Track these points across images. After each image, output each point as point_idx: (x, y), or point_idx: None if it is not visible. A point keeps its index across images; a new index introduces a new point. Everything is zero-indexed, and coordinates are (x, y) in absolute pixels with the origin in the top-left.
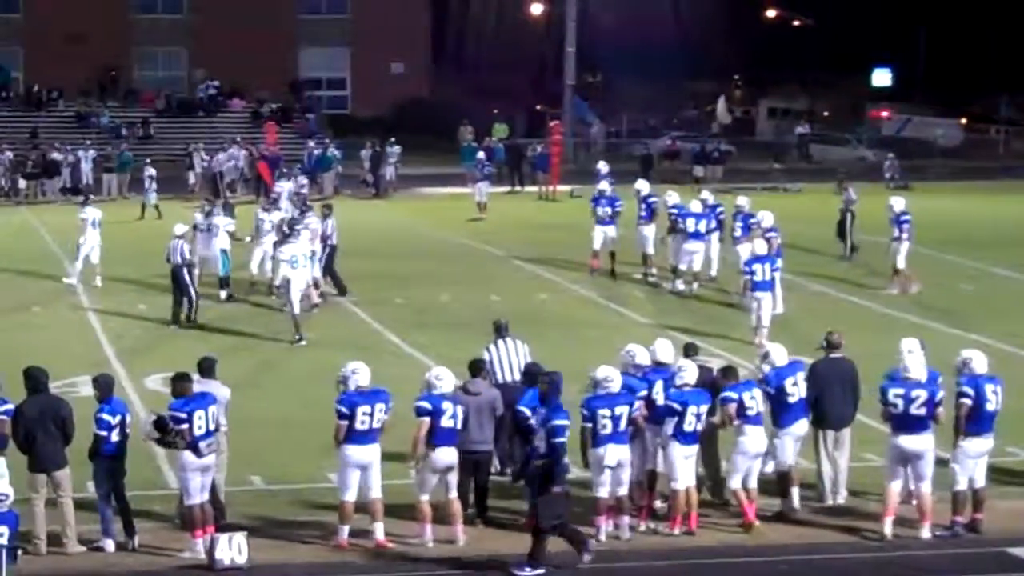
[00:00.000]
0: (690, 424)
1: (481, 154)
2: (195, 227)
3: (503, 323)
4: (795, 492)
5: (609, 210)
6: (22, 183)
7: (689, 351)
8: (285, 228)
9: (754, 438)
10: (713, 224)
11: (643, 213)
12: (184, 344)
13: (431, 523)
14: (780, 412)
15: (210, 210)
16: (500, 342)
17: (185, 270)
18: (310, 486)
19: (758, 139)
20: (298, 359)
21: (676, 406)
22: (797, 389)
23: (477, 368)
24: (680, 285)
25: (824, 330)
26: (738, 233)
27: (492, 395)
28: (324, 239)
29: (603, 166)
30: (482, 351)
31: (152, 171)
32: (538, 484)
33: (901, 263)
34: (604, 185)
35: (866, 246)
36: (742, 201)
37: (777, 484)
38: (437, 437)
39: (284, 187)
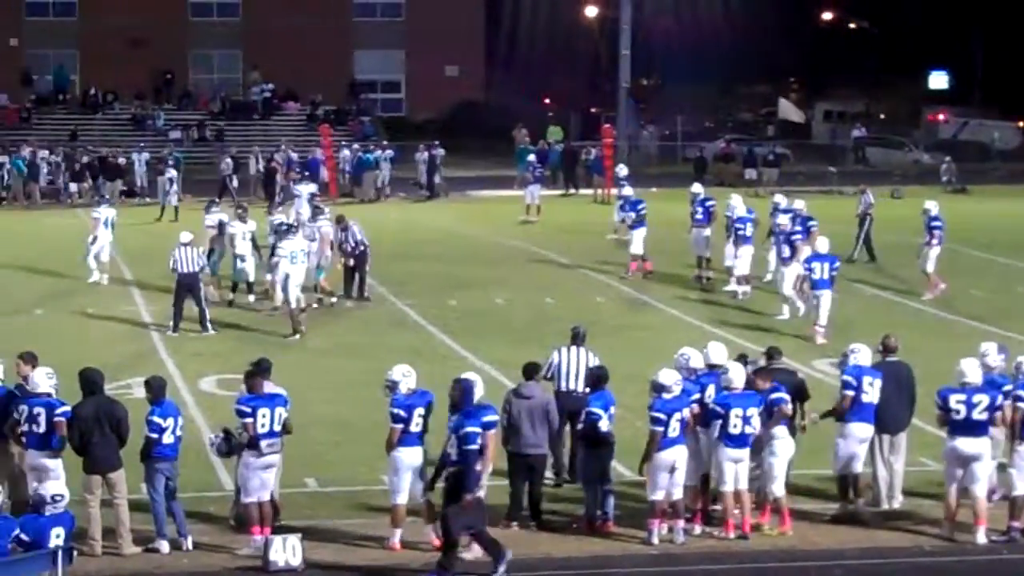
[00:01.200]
0: (736, 427)
1: (532, 156)
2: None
3: (581, 331)
4: (861, 499)
5: (633, 215)
6: (72, 186)
7: (773, 355)
8: (283, 227)
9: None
10: (798, 227)
11: (700, 216)
12: (237, 346)
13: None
14: (851, 408)
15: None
16: (572, 348)
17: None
18: (364, 488)
19: (813, 142)
20: (350, 361)
21: (719, 409)
22: (873, 391)
23: (531, 371)
24: (735, 287)
25: (880, 333)
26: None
27: (545, 399)
28: (343, 246)
29: (621, 169)
30: (551, 353)
31: (173, 173)
32: (449, 492)
33: (931, 267)
34: (628, 190)
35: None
36: (798, 204)
37: (837, 486)
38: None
39: (304, 190)
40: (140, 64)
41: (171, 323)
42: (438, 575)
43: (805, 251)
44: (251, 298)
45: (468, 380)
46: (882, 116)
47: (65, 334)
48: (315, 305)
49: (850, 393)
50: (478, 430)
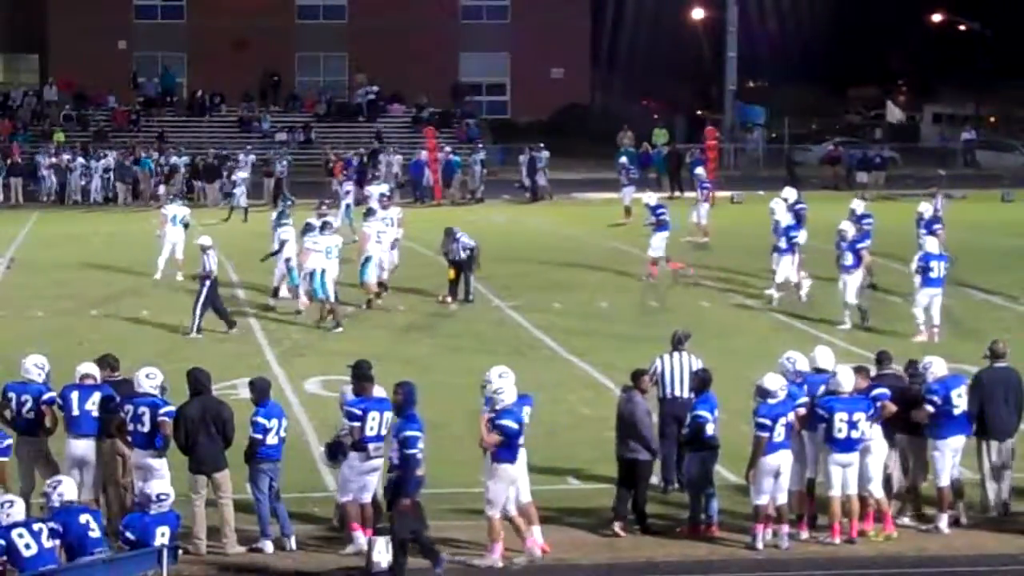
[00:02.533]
0: (841, 431)
1: (624, 159)
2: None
3: (681, 335)
4: (945, 515)
5: (654, 219)
6: (161, 188)
7: (882, 360)
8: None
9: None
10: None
11: (792, 221)
12: (341, 348)
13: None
14: (941, 424)
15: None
16: (675, 354)
17: (207, 282)
18: (464, 491)
19: (922, 145)
20: (453, 363)
21: (823, 412)
22: (962, 401)
23: (634, 378)
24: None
25: (989, 338)
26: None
27: (629, 408)
28: (448, 255)
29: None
30: (654, 360)
31: (244, 174)
32: (391, 496)
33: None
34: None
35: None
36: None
37: (937, 497)
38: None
39: (374, 191)
40: (247, 66)
41: (195, 325)
42: None
43: (868, 259)
44: (271, 301)
45: (410, 384)
46: (992, 119)
47: (164, 334)
48: (364, 307)
49: (932, 409)
50: (418, 434)
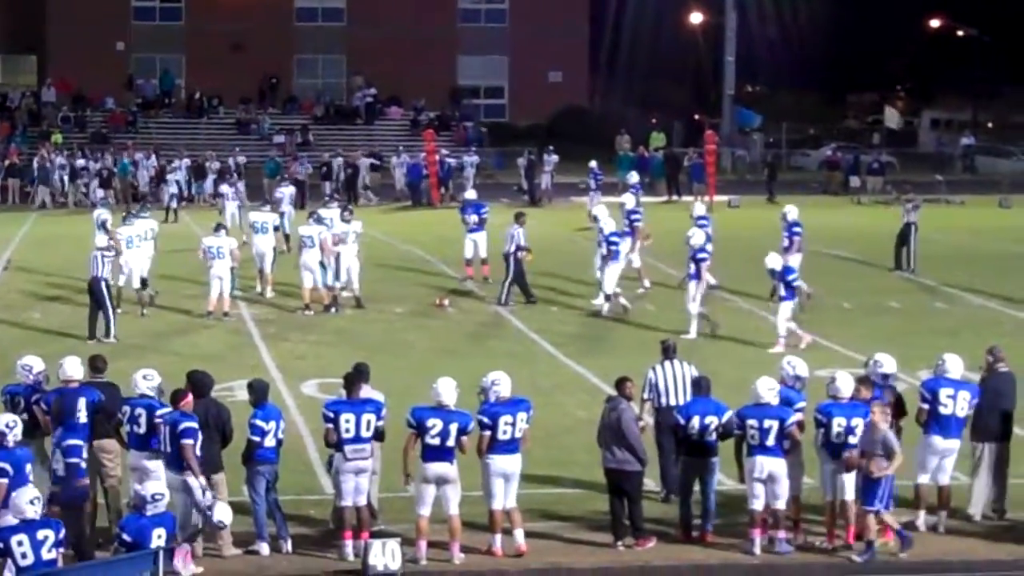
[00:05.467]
0: (838, 437)
1: (593, 163)
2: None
3: (671, 344)
4: (922, 513)
5: (626, 222)
6: (100, 192)
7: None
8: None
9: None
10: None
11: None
12: (341, 352)
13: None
14: (929, 422)
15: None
16: (666, 364)
17: (103, 284)
18: (464, 494)
19: (920, 150)
20: (453, 368)
21: (821, 417)
22: (952, 403)
23: (619, 385)
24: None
25: (988, 343)
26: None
27: (615, 416)
28: (517, 248)
29: (633, 176)
30: (647, 371)
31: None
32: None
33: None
34: (629, 199)
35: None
36: (788, 209)
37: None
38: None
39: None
40: (245, 69)
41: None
42: None
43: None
44: (270, 293)
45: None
46: (990, 124)
47: (169, 334)
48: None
49: (925, 406)
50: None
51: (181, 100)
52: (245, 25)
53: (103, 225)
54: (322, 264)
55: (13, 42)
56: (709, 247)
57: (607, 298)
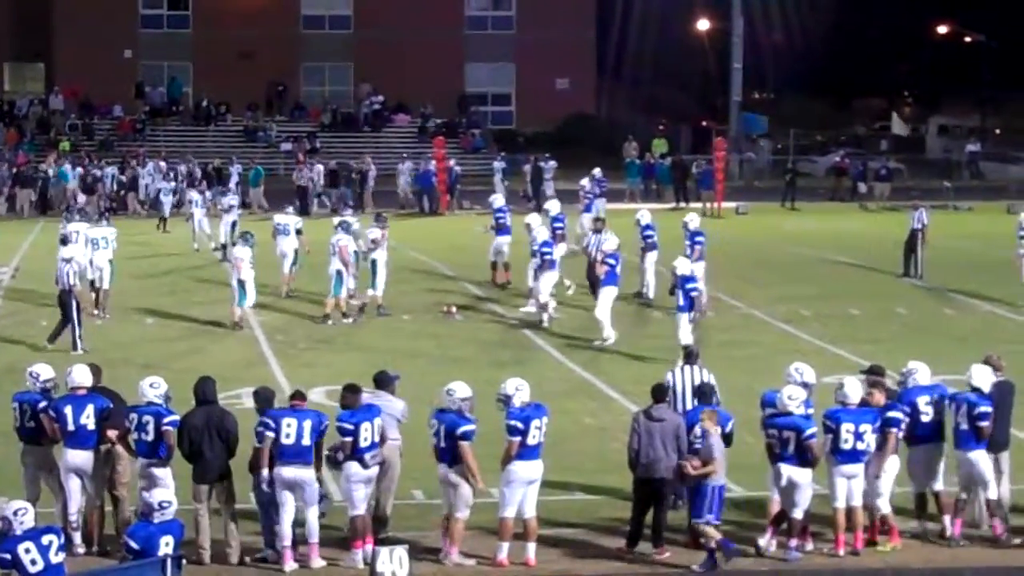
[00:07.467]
0: (847, 442)
1: (597, 171)
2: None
3: (694, 349)
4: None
5: (553, 229)
6: (81, 198)
7: (876, 372)
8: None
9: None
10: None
11: (549, 237)
12: (346, 358)
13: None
14: (912, 432)
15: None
16: (686, 368)
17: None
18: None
19: (928, 156)
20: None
21: (830, 423)
22: (932, 411)
23: (661, 393)
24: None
25: (994, 350)
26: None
27: (676, 421)
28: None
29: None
30: (665, 375)
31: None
32: None
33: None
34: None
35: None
36: (690, 218)
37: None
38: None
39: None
40: (252, 76)
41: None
42: None
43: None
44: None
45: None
46: (997, 131)
47: (177, 342)
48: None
49: (905, 419)
50: None
51: (189, 108)
52: (252, 33)
53: (64, 240)
54: (337, 272)
55: (21, 50)
56: (701, 271)
57: (542, 307)
